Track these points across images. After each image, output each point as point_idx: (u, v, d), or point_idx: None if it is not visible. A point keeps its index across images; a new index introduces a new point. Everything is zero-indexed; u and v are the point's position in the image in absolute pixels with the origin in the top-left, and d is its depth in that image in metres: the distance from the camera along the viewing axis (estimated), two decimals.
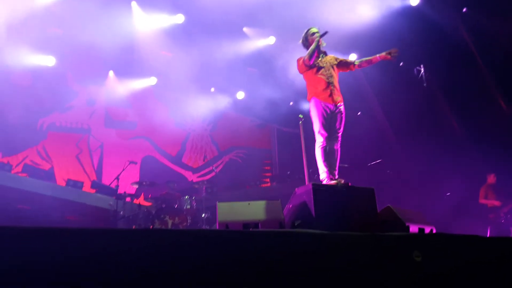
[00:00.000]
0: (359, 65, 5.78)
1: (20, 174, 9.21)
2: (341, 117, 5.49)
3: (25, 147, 10.93)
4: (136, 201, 9.54)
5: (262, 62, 11.94)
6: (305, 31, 5.72)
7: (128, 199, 9.21)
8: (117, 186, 8.82)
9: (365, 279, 3.31)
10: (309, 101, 5.56)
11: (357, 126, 9.66)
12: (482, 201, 9.33)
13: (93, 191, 9.98)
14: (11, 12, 9.36)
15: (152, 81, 12.42)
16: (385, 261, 3.44)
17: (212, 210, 8.24)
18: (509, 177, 8.96)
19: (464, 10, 9.25)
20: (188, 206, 8.94)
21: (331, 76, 5.51)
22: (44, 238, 2.68)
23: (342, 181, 5.09)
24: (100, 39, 9.99)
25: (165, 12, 10.82)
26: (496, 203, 9.12)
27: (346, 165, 6.72)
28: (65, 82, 11.76)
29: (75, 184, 9.10)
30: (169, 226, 8.42)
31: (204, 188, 9.60)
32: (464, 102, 9.94)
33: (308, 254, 3.26)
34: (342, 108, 5.49)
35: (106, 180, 11.15)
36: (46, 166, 11.02)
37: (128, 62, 11.53)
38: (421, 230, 4.64)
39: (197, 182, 10.69)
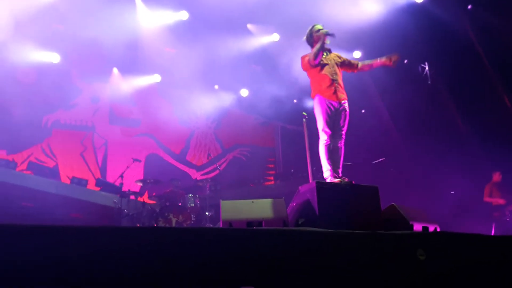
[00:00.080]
0: (361, 69, 5.77)
1: (24, 172, 9.24)
2: (345, 115, 5.46)
3: (30, 144, 10.96)
4: (140, 199, 9.55)
5: (266, 59, 11.92)
6: (310, 27, 5.67)
7: (132, 197, 9.23)
8: (121, 184, 8.85)
9: (369, 277, 3.30)
10: (313, 98, 5.54)
11: (361, 124, 9.63)
12: (487, 199, 9.29)
13: (97, 189, 10.00)
14: (15, 9, 9.37)
15: (156, 78, 12.43)
16: (389, 260, 3.43)
17: (216, 208, 8.25)
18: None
19: (469, 7, 9.18)
20: (192, 204, 8.94)
21: (335, 73, 5.49)
22: (47, 236, 2.69)
23: (346, 179, 5.07)
24: (104, 35, 10.00)
25: (169, 9, 10.82)
26: (501, 201, 9.08)
27: (350, 163, 6.69)
28: (69, 79, 11.78)
29: (80, 182, 9.13)
30: (173, 224, 8.43)
31: (208, 186, 9.60)
32: (469, 100, 9.88)
33: (311, 252, 3.25)
34: (346, 105, 5.47)
35: (111, 177, 11.18)
36: (50, 163, 11.05)
37: (132, 59, 11.54)
38: (425, 229, 4.61)
39: (201, 180, 10.70)
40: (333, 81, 5.41)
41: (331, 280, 3.17)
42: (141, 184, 9.54)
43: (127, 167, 9.28)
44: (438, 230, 4.75)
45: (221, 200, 4.63)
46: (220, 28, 10.81)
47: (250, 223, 4.33)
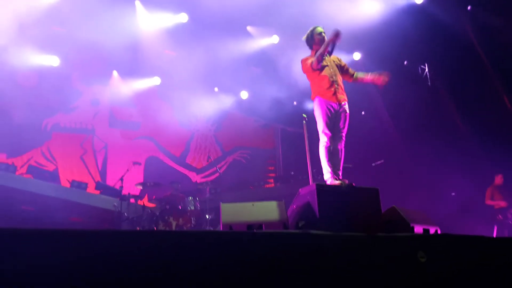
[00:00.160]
0: (355, 79, 5.74)
1: (24, 175, 9.22)
2: (345, 117, 5.44)
3: (30, 148, 10.96)
4: (140, 202, 9.53)
5: (266, 61, 11.93)
6: (311, 29, 5.65)
7: (132, 200, 9.21)
8: (121, 187, 8.84)
9: (370, 280, 3.29)
10: (313, 100, 5.52)
11: (361, 126, 9.62)
12: (489, 202, 9.29)
13: (97, 192, 9.99)
14: (15, 12, 9.37)
15: (156, 81, 12.43)
16: (389, 262, 3.42)
17: (216, 211, 8.23)
18: None
19: (469, 8, 9.19)
20: (192, 207, 8.92)
21: (335, 74, 5.48)
22: (47, 240, 2.68)
23: (346, 181, 5.06)
24: (104, 38, 10.02)
25: (169, 11, 10.84)
26: (503, 204, 9.07)
27: (350, 165, 6.69)
28: (69, 82, 11.79)
29: (79, 185, 9.12)
30: (173, 227, 8.41)
31: (208, 189, 9.59)
32: (469, 100, 9.88)
33: (312, 255, 3.24)
34: (346, 107, 5.45)
35: (111, 181, 11.17)
36: (50, 167, 11.04)
37: (132, 61, 11.55)
38: (426, 231, 4.60)
39: (201, 183, 10.70)
40: (333, 83, 5.40)
41: (332, 283, 3.16)
42: (141, 187, 9.53)
43: (127, 170, 9.26)
44: (439, 232, 4.74)
45: (221, 203, 4.62)
46: (219, 31, 10.82)
47: (250, 226, 4.32)
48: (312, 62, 5.39)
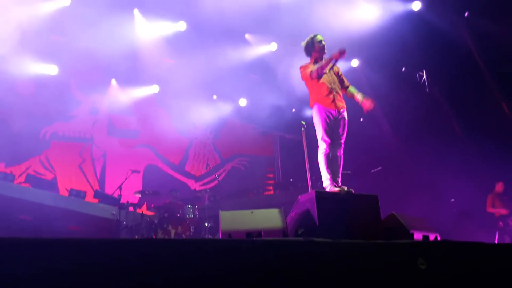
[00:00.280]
0: (348, 92, 5.71)
1: (23, 185, 9.19)
2: (344, 123, 5.46)
3: (28, 156, 10.92)
4: (139, 210, 9.50)
5: (264, 68, 11.95)
6: (311, 36, 5.66)
7: (131, 208, 9.18)
8: (120, 195, 8.81)
9: (370, 287, 3.27)
10: (311, 107, 5.54)
11: (360, 132, 9.63)
12: (490, 209, 9.29)
13: (95, 200, 9.95)
14: (14, 21, 9.40)
15: (154, 89, 12.44)
16: (389, 269, 3.40)
17: (215, 219, 8.22)
18: None
19: (466, 14, 9.23)
20: (191, 215, 8.90)
21: (334, 82, 5.49)
22: (46, 249, 2.68)
23: (346, 188, 5.06)
24: (103, 47, 10.03)
25: (167, 20, 10.86)
26: (504, 211, 9.08)
27: (349, 172, 6.68)
28: (68, 91, 11.78)
29: (78, 194, 9.08)
30: (172, 235, 8.38)
31: (207, 197, 9.58)
32: (467, 107, 9.90)
33: (311, 262, 3.23)
34: (345, 114, 5.47)
35: (109, 189, 11.14)
36: (49, 176, 11.00)
37: (131, 70, 11.55)
38: (426, 238, 4.59)
39: (200, 191, 10.67)
40: (332, 90, 5.42)
41: None
42: (139, 196, 9.50)
43: (126, 178, 9.24)
44: (439, 238, 4.73)
45: (220, 210, 4.61)
46: (218, 39, 10.85)
47: (249, 233, 4.30)
48: (311, 72, 5.40)
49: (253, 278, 2.99)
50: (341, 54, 5.27)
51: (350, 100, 5.74)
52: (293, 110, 12.04)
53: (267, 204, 9.31)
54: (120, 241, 3.41)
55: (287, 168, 13.27)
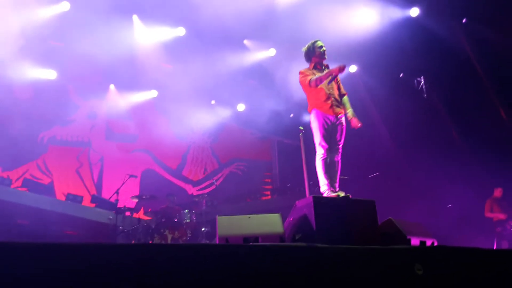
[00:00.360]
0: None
1: (20, 189, 9.18)
2: (342, 129, 5.47)
3: (26, 161, 10.92)
4: (135, 215, 9.48)
5: (263, 74, 11.97)
6: (312, 42, 5.67)
7: (127, 213, 9.15)
8: (117, 200, 8.78)
9: None
10: (309, 112, 5.55)
11: (357, 138, 9.64)
12: (488, 214, 9.31)
13: (92, 205, 9.94)
14: (13, 26, 9.41)
15: (153, 93, 12.44)
16: (386, 275, 3.39)
17: (212, 224, 8.19)
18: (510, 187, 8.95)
19: (464, 21, 9.27)
20: (188, 220, 8.89)
21: (332, 88, 5.51)
22: (42, 254, 2.66)
23: (343, 194, 5.06)
24: (102, 52, 10.05)
25: (166, 25, 10.87)
26: (502, 216, 9.09)
27: (347, 177, 6.67)
28: (66, 95, 11.80)
29: (75, 199, 9.06)
30: (169, 240, 8.36)
31: (204, 202, 9.56)
32: (465, 112, 9.92)
33: (308, 268, 3.21)
34: (343, 119, 5.48)
35: (106, 194, 11.12)
36: (46, 180, 10.99)
37: (129, 75, 11.56)
38: (423, 243, 4.58)
39: (197, 196, 10.65)
40: (330, 95, 5.43)
41: None
42: (136, 200, 9.47)
43: (123, 183, 9.22)
44: (436, 244, 4.72)
45: (217, 215, 4.60)
46: (217, 44, 10.87)
47: (246, 239, 4.29)
48: (310, 80, 5.40)
49: (250, 283, 2.98)
50: (341, 70, 5.33)
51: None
52: (291, 115, 12.05)
53: (265, 209, 9.29)
54: (117, 246, 3.39)
55: (285, 173, 13.27)
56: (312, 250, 3.44)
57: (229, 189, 12.34)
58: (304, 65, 5.74)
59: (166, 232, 8.45)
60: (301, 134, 6.29)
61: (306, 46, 5.69)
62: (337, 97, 5.52)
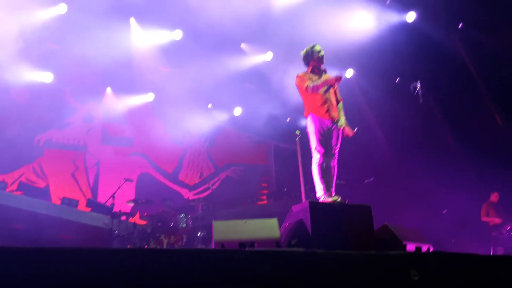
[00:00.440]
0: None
1: (15, 193, 9.12)
2: (338, 134, 5.48)
3: (21, 164, 10.86)
4: (131, 219, 9.43)
5: (260, 78, 11.97)
6: (310, 46, 5.68)
7: (123, 217, 9.10)
8: (113, 204, 8.75)
9: None
10: (306, 117, 5.55)
11: (354, 142, 9.64)
12: (484, 219, 9.34)
13: (88, 209, 9.86)
14: (10, 28, 9.39)
15: (149, 97, 12.42)
16: (382, 280, 3.39)
17: (208, 229, 8.17)
18: (508, 194, 8.97)
19: (460, 26, 9.31)
20: (184, 225, 8.85)
21: (328, 92, 5.52)
22: (37, 258, 2.65)
23: (339, 199, 5.06)
24: (99, 55, 10.03)
25: (163, 28, 10.87)
26: (497, 220, 9.11)
27: (343, 182, 6.69)
28: (63, 98, 11.75)
29: (70, 203, 8.99)
30: (164, 245, 8.32)
31: (200, 206, 9.52)
32: (461, 117, 9.95)
33: (304, 273, 3.21)
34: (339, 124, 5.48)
35: (102, 198, 11.06)
36: (41, 184, 10.93)
37: (126, 78, 11.54)
38: (418, 249, 4.59)
39: (193, 200, 10.63)
40: (326, 100, 5.44)
41: None
42: (132, 204, 9.43)
43: (119, 187, 9.18)
44: (431, 249, 4.72)
45: (213, 220, 4.59)
46: (214, 48, 10.87)
47: (242, 244, 4.28)
48: (307, 87, 5.40)
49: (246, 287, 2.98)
50: (337, 80, 5.38)
51: (344, 110, 5.75)
52: (288, 119, 12.05)
53: (261, 213, 9.30)
54: (112, 251, 3.38)
55: (281, 177, 13.23)
56: (307, 255, 3.43)
57: (226, 194, 12.30)
58: (302, 69, 5.74)
59: (162, 237, 8.41)
60: (297, 138, 6.29)
61: (305, 49, 5.71)
62: (333, 101, 5.54)
